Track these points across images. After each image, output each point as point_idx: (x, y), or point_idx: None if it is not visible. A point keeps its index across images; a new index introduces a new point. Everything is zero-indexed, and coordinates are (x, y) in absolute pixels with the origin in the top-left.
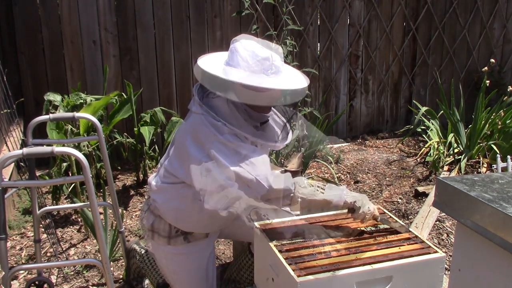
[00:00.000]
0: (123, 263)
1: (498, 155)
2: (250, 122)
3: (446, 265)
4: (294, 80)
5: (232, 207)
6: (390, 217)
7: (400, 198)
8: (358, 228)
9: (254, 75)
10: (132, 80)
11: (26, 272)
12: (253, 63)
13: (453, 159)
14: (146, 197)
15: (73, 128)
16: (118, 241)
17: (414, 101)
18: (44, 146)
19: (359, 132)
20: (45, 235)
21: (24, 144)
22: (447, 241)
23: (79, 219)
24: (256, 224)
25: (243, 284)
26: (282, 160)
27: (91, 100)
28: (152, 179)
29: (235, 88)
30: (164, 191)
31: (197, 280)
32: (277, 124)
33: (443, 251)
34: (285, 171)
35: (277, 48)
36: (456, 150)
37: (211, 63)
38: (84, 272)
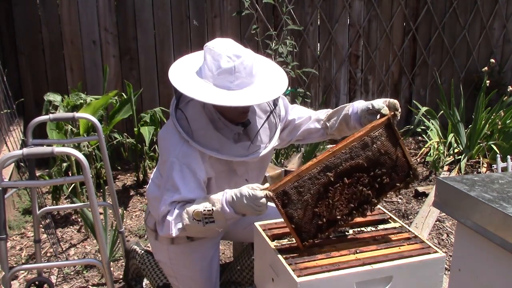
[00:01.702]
0: (123, 263)
1: (498, 155)
2: (228, 130)
3: (446, 265)
4: (261, 91)
5: (179, 223)
6: (390, 217)
7: (400, 198)
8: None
9: (215, 89)
10: (132, 80)
11: (26, 272)
12: (217, 75)
13: (453, 159)
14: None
15: (73, 128)
16: (118, 241)
17: (414, 101)
18: (44, 146)
19: None
20: (45, 235)
21: (24, 144)
22: (447, 241)
23: (79, 219)
24: (256, 224)
25: (244, 285)
26: (282, 160)
27: (91, 100)
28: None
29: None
30: (154, 202)
31: (201, 279)
32: (270, 123)
33: (443, 251)
34: (285, 171)
35: (247, 55)
36: (456, 150)
37: (182, 70)
38: (84, 272)
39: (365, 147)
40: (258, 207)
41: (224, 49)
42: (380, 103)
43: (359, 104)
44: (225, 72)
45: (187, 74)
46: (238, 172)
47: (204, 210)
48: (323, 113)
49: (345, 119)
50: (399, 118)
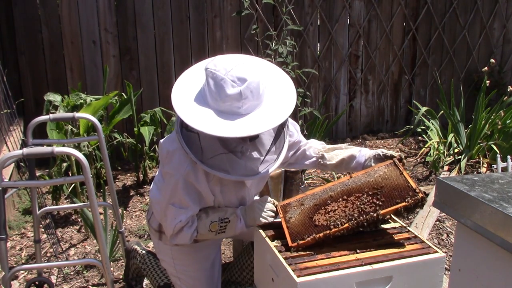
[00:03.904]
0: (123, 263)
1: (498, 155)
2: (236, 144)
3: (446, 265)
4: (272, 112)
5: (195, 232)
6: (390, 217)
7: None
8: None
9: (223, 121)
10: (132, 80)
11: (26, 272)
12: (223, 103)
13: (453, 159)
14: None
15: (73, 128)
16: (118, 241)
17: (414, 101)
18: (44, 146)
19: (359, 132)
20: (45, 235)
21: (24, 144)
22: (447, 241)
23: (79, 219)
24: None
25: (244, 285)
26: None
27: (91, 100)
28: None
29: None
30: (157, 205)
31: (203, 279)
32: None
33: (443, 251)
34: (285, 171)
35: (252, 75)
36: (456, 150)
37: (186, 97)
38: (84, 272)
39: (367, 176)
40: (265, 209)
41: (226, 71)
42: (386, 151)
43: (367, 152)
44: (231, 99)
45: (191, 102)
46: (247, 183)
47: (221, 223)
48: (318, 143)
49: (350, 158)
50: (404, 164)
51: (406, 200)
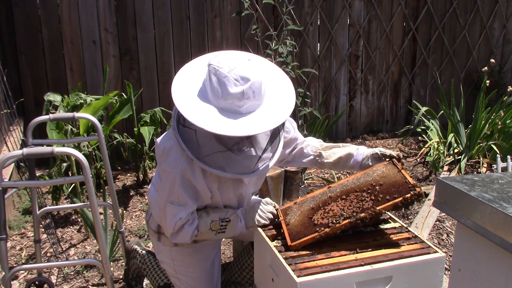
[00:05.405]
0: (123, 263)
1: (498, 155)
2: (232, 141)
3: (446, 265)
4: (271, 113)
5: (195, 230)
6: (390, 217)
7: None
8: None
9: (223, 119)
10: (132, 80)
11: (26, 272)
12: (224, 100)
13: (453, 159)
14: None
15: (73, 128)
16: (118, 241)
17: (414, 101)
18: (44, 146)
19: (359, 132)
20: (45, 235)
21: (24, 144)
22: (447, 241)
23: (79, 219)
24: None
25: (244, 285)
26: None
27: (91, 100)
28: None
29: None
30: (155, 206)
31: (203, 279)
32: (273, 135)
33: (443, 251)
34: (285, 171)
35: (255, 75)
36: (456, 150)
37: (186, 91)
38: (84, 272)
39: (366, 176)
40: (265, 211)
41: (230, 69)
42: (384, 150)
43: (365, 151)
44: (233, 98)
45: (193, 98)
46: (244, 180)
47: (222, 222)
48: (316, 141)
49: (347, 157)
50: (403, 164)
51: (404, 195)
